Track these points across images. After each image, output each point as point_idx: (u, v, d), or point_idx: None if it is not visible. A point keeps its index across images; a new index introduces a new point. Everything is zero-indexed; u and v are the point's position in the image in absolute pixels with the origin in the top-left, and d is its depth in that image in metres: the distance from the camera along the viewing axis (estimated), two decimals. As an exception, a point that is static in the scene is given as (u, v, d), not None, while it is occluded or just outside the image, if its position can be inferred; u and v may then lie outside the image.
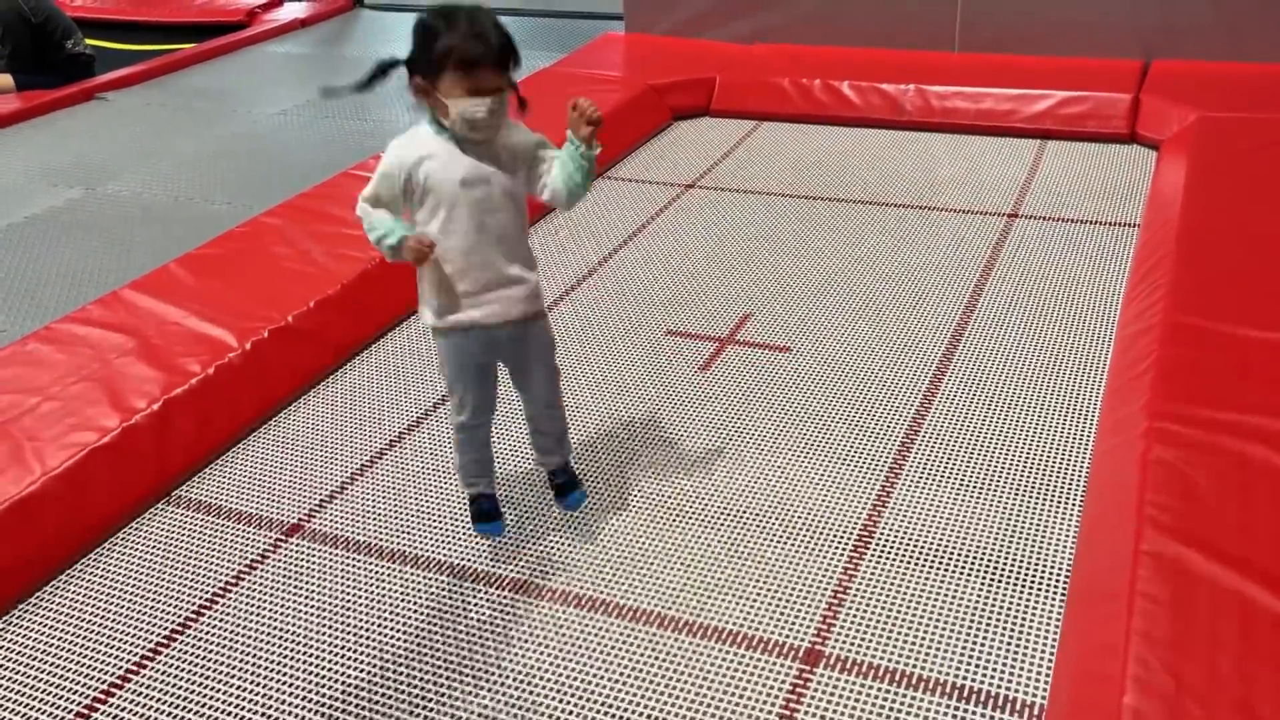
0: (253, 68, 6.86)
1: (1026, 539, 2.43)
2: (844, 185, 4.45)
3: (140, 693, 2.17)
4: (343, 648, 2.25)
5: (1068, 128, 4.75)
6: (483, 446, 2.47)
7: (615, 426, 2.94)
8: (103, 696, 2.17)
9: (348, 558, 2.51)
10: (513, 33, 2.15)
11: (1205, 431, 2.40)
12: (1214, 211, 3.52)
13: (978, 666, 2.10)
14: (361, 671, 2.19)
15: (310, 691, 2.14)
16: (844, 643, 2.18)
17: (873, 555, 2.41)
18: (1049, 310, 3.39)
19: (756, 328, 3.38)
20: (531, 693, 2.11)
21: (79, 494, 2.57)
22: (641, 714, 2.04)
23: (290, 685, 2.17)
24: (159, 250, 3.94)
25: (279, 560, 2.52)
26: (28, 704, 2.17)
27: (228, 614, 2.37)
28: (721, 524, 2.54)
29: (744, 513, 2.57)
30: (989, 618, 2.22)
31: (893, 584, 2.32)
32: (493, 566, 2.45)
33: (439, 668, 2.18)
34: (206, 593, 2.43)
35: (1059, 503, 2.54)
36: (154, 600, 2.43)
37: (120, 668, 2.24)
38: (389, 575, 2.44)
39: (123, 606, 2.42)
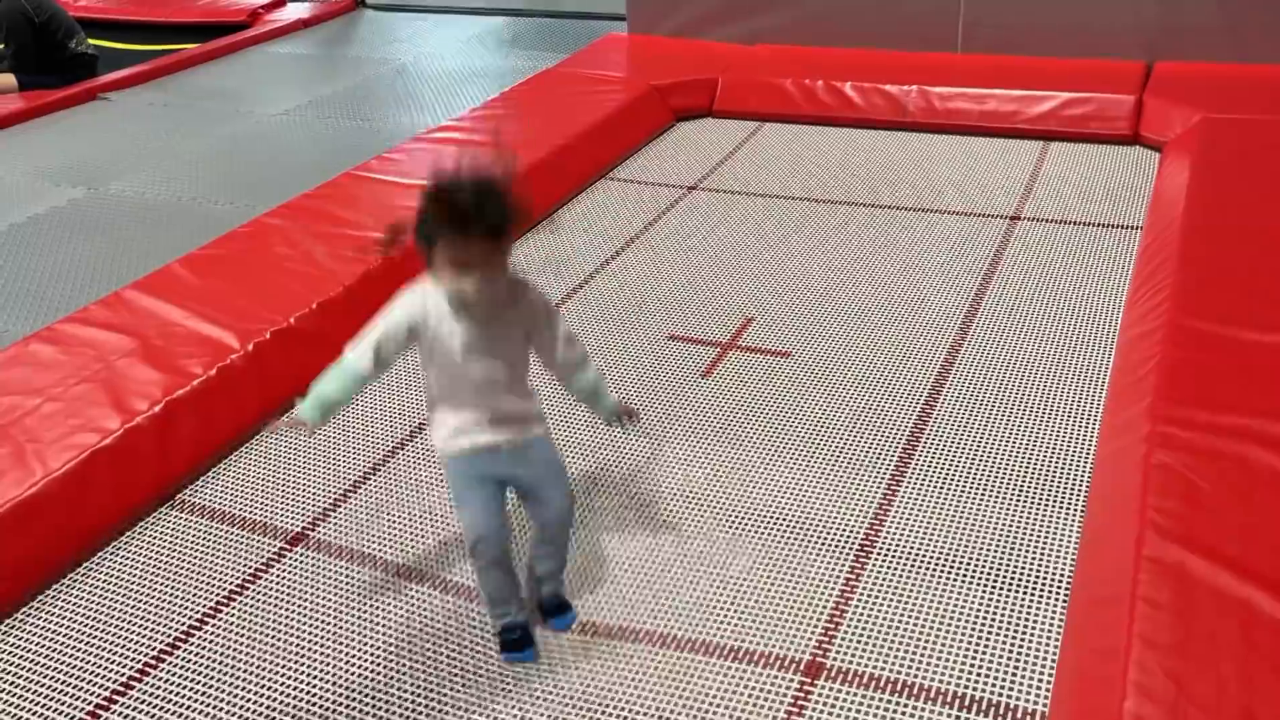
0: (255, 68, 6.86)
1: (1028, 544, 2.43)
2: (846, 187, 4.44)
3: (142, 701, 2.17)
4: (346, 662, 2.25)
5: (1071, 129, 4.74)
6: (505, 572, 2.19)
7: (615, 435, 2.93)
8: (105, 703, 2.17)
9: (351, 569, 2.49)
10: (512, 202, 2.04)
11: (1208, 435, 2.39)
12: (1217, 213, 3.51)
13: (980, 675, 2.09)
14: (365, 687, 2.18)
15: (313, 707, 2.14)
16: (845, 654, 2.17)
17: (874, 564, 2.40)
18: (1051, 313, 3.38)
19: (758, 333, 3.37)
20: (530, 709, 2.10)
21: (81, 496, 2.57)
22: None
23: (294, 699, 2.16)
24: (161, 250, 3.93)
25: (283, 570, 2.50)
26: (29, 710, 2.16)
27: (231, 623, 2.36)
28: (720, 534, 2.53)
29: (743, 523, 2.56)
30: (991, 625, 2.21)
31: (894, 593, 2.32)
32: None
33: (441, 683, 2.17)
34: (210, 601, 2.42)
35: (1061, 507, 2.54)
36: (157, 607, 2.42)
37: (122, 675, 2.23)
38: (391, 587, 2.43)
39: (126, 612, 2.41)
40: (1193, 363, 2.69)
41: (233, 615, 2.37)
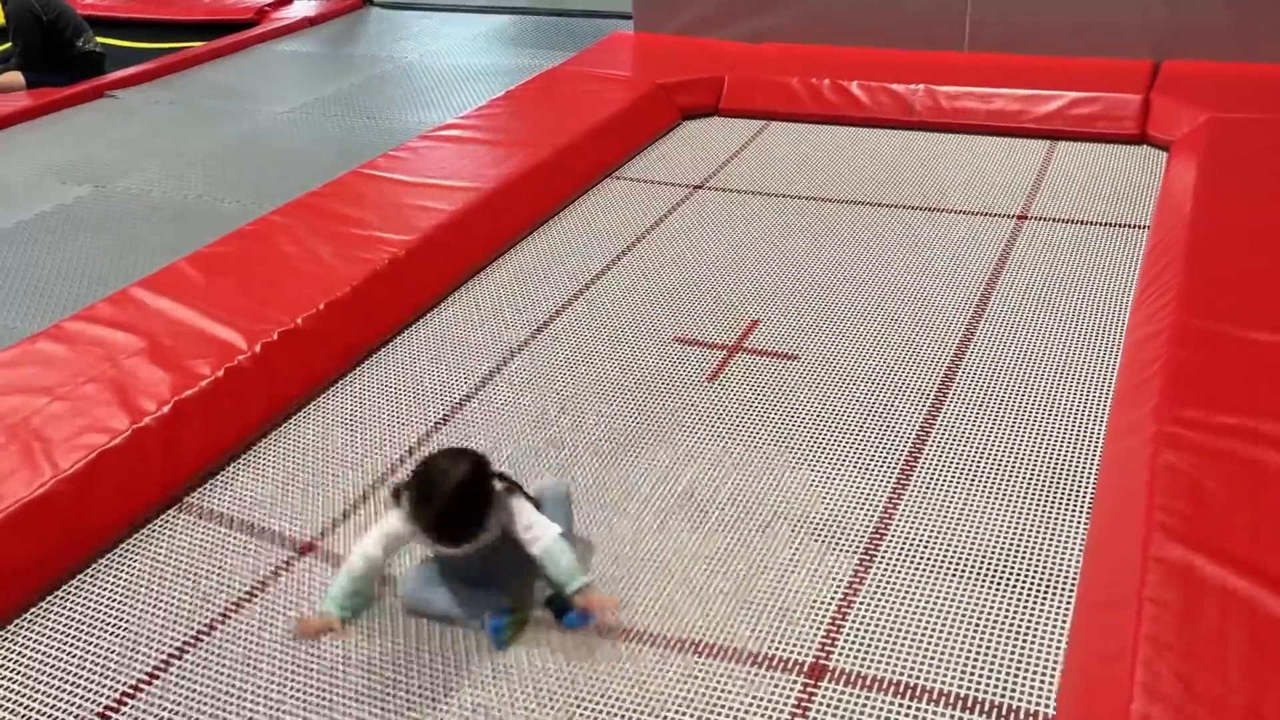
0: (262, 66, 6.87)
1: (1034, 545, 2.43)
2: (852, 186, 4.44)
3: (150, 706, 2.17)
4: (354, 671, 2.25)
5: (1078, 128, 4.73)
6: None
7: (621, 436, 2.93)
8: (113, 707, 2.17)
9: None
10: (478, 486, 2.17)
11: (1215, 436, 2.39)
12: (1225, 213, 3.50)
13: (985, 676, 2.09)
14: (372, 694, 2.19)
15: (321, 715, 2.14)
16: (849, 655, 2.16)
17: (879, 565, 2.40)
18: (1058, 313, 3.37)
19: (764, 335, 3.37)
20: (534, 709, 2.10)
21: (89, 497, 2.57)
22: (647, 721, 2.04)
23: (301, 707, 2.16)
24: (168, 248, 3.94)
25: (291, 579, 2.49)
26: (36, 713, 2.17)
27: (240, 630, 2.35)
28: (725, 536, 2.52)
29: (748, 525, 2.56)
30: (997, 626, 2.21)
31: (898, 593, 2.31)
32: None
33: (447, 685, 2.17)
34: (217, 608, 2.41)
35: (1067, 508, 2.53)
36: (164, 612, 2.41)
37: (129, 680, 2.24)
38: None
39: (133, 617, 2.41)
40: (1200, 363, 2.69)
41: (240, 623, 2.37)
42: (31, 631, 2.37)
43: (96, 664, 2.27)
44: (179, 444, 2.78)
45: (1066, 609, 2.23)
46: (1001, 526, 2.49)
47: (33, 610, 2.43)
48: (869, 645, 2.18)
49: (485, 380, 3.21)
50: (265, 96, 6.16)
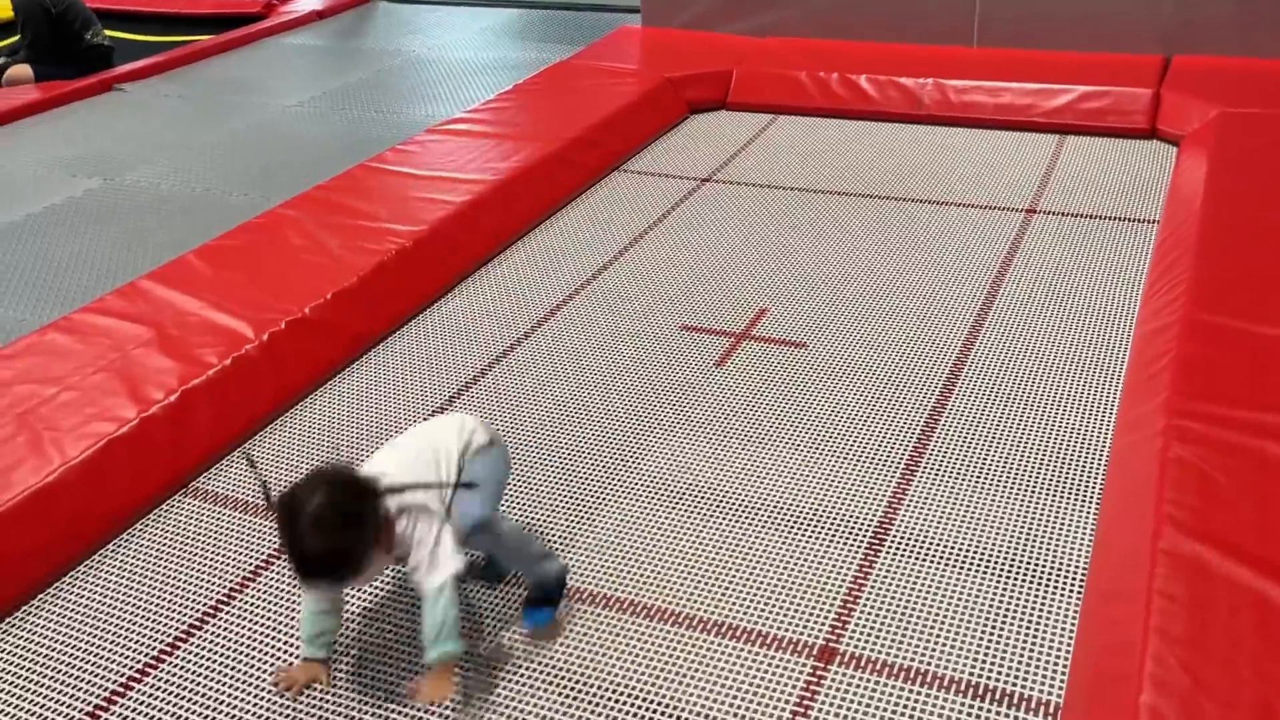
0: (270, 59, 6.88)
1: (1043, 536, 2.42)
2: (861, 180, 4.43)
3: (158, 686, 2.19)
4: (360, 646, 2.26)
5: (1087, 123, 4.72)
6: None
7: (629, 422, 2.94)
8: (121, 689, 2.18)
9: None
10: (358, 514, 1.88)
11: (1224, 429, 2.38)
12: (1235, 208, 3.49)
13: (994, 665, 2.09)
14: (378, 668, 2.19)
15: (328, 691, 2.15)
16: (858, 640, 2.17)
17: (888, 552, 2.41)
18: (1067, 306, 3.37)
19: (772, 323, 3.37)
20: (543, 686, 2.11)
21: (98, 484, 2.59)
22: (654, 710, 2.04)
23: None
24: (176, 241, 3.96)
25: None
26: (46, 695, 2.18)
27: (247, 608, 2.37)
28: (736, 520, 2.54)
29: (758, 509, 2.57)
30: (1005, 616, 2.21)
31: (908, 581, 2.32)
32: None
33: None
34: (225, 587, 2.44)
35: (1076, 500, 2.53)
36: (173, 593, 2.43)
37: (139, 661, 2.25)
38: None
39: (142, 599, 2.43)
40: (1209, 357, 2.68)
41: (247, 601, 2.38)
42: (43, 615, 2.38)
43: (107, 645, 2.28)
44: (187, 432, 2.79)
45: (1075, 600, 2.23)
46: (1010, 518, 2.48)
47: (44, 594, 2.45)
48: (879, 631, 2.19)
49: (490, 367, 3.21)
50: (274, 90, 6.17)
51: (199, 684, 2.17)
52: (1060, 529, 2.44)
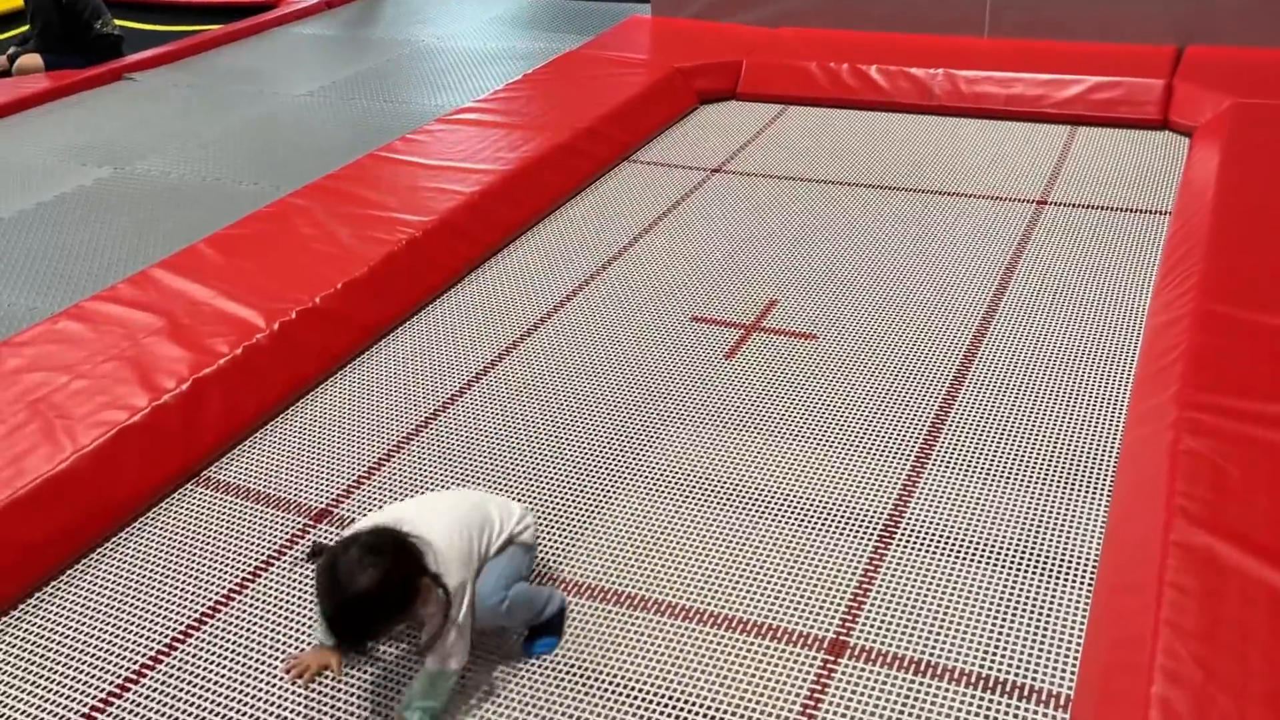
0: (279, 49, 6.88)
1: (1053, 529, 2.42)
2: (871, 170, 4.42)
3: (170, 674, 2.19)
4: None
5: (1099, 113, 4.70)
6: None
7: (638, 414, 2.94)
8: (135, 676, 2.19)
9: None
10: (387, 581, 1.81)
11: (1236, 421, 2.38)
12: (1247, 199, 3.48)
13: (1004, 657, 2.09)
14: (388, 659, 2.20)
15: (338, 680, 2.16)
16: (869, 633, 2.17)
17: (898, 545, 2.40)
18: (1078, 298, 3.36)
19: (782, 314, 3.37)
20: (553, 681, 2.11)
21: (110, 472, 2.60)
22: (664, 704, 2.05)
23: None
24: (187, 230, 3.96)
25: (308, 545, 2.52)
26: (60, 682, 2.19)
27: (259, 596, 2.38)
28: (745, 513, 2.53)
29: (768, 502, 2.57)
30: (1016, 608, 2.21)
31: (918, 573, 2.32)
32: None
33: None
34: (237, 575, 2.45)
35: (1087, 492, 2.53)
36: (184, 582, 2.44)
37: (151, 649, 2.26)
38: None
39: (153, 587, 2.43)
40: (1221, 349, 2.67)
41: (259, 589, 2.39)
42: (56, 602, 2.40)
43: (120, 633, 2.29)
44: (198, 421, 2.80)
45: (1086, 593, 2.23)
46: (1021, 510, 2.48)
47: (56, 581, 2.46)
48: (889, 623, 2.19)
49: (499, 359, 3.21)
50: (283, 79, 6.17)
51: (212, 671, 2.18)
52: (1071, 521, 2.44)
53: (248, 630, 2.28)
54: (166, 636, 2.28)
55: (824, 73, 5.16)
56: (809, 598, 2.27)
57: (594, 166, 4.46)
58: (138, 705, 2.12)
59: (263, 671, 2.17)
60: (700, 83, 5.27)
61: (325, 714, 2.07)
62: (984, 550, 2.37)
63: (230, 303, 3.16)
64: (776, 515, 2.51)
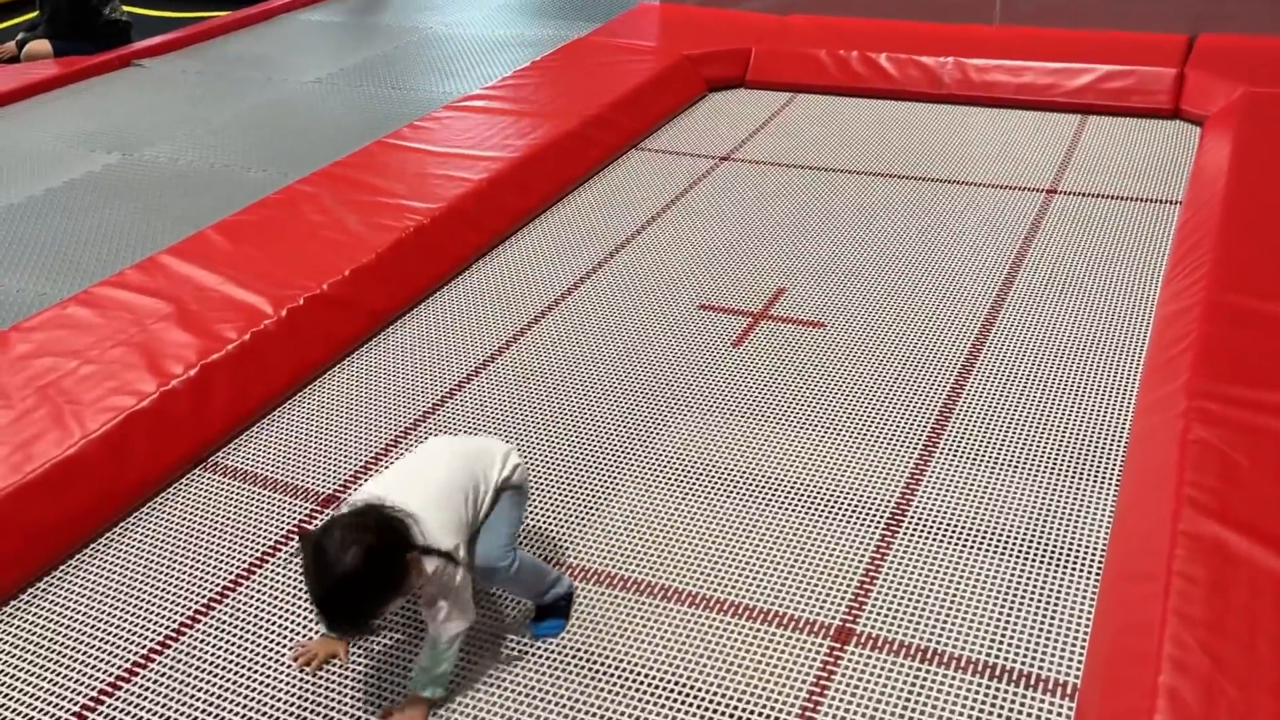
0: (288, 35, 6.87)
1: (1062, 518, 2.42)
2: (880, 159, 4.41)
3: (180, 658, 2.20)
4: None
5: (1110, 102, 4.67)
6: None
7: (646, 402, 2.93)
8: (142, 661, 2.20)
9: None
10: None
11: (1245, 411, 2.37)
12: (1259, 189, 3.46)
13: (1011, 645, 2.09)
14: (394, 645, 2.20)
15: (345, 665, 2.17)
16: (876, 621, 2.17)
17: (906, 533, 2.40)
18: (1087, 287, 3.35)
19: (790, 303, 3.36)
20: (560, 668, 2.12)
21: (118, 458, 2.60)
22: (671, 690, 2.05)
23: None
24: (195, 216, 3.96)
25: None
26: (69, 666, 2.20)
27: (266, 583, 2.39)
28: (752, 501, 2.53)
29: (775, 490, 2.57)
30: (1023, 596, 2.21)
31: (925, 562, 2.31)
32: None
33: (468, 641, 2.19)
34: (244, 561, 2.45)
35: (1095, 482, 2.52)
36: (192, 567, 2.45)
37: (160, 634, 2.27)
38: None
39: (161, 572, 2.44)
40: (1230, 339, 2.66)
41: (266, 576, 2.40)
42: (65, 587, 2.40)
43: (128, 618, 2.30)
44: (206, 406, 2.80)
45: (1094, 582, 2.23)
46: (1029, 499, 2.48)
47: (65, 566, 2.47)
48: (896, 611, 2.18)
49: (507, 345, 3.22)
50: (292, 66, 6.16)
51: (218, 657, 2.19)
52: (1079, 510, 2.44)
53: (256, 615, 2.29)
54: (174, 621, 2.29)
55: (833, 60, 5.14)
56: (816, 585, 2.27)
57: (602, 154, 4.45)
58: (146, 689, 2.13)
59: (271, 656, 2.18)
60: (709, 70, 5.25)
61: (332, 698, 2.08)
62: (991, 539, 2.36)
63: (238, 289, 3.16)
64: (784, 502, 2.51)
